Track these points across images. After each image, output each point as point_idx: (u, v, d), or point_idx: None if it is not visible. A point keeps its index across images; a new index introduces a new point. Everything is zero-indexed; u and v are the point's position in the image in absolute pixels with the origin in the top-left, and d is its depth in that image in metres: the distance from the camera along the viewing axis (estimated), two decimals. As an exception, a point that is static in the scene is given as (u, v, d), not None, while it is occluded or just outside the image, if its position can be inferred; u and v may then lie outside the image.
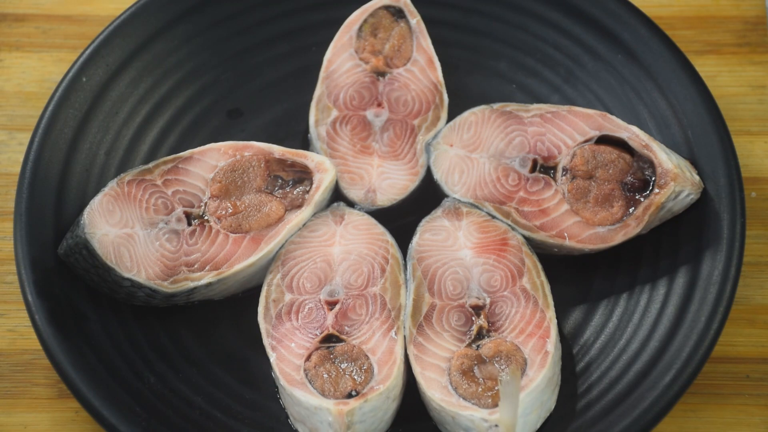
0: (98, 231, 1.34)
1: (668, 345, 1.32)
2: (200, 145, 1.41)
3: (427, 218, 1.41)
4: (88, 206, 1.35)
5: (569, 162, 1.39)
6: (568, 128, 1.41)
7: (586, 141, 1.40)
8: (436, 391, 1.29)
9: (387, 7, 1.49)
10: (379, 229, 1.40)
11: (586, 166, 1.39)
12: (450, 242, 1.38)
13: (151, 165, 1.39)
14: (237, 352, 1.38)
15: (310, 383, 1.29)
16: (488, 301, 1.34)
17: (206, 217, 1.38)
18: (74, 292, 1.35)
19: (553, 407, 1.31)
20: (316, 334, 1.32)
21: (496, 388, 1.27)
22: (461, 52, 1.52)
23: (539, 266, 1.36)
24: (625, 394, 1.30)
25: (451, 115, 1.46)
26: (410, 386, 1.33)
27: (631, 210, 1.36)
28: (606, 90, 1.47)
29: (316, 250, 1.38)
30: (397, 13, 1.49)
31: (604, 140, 1.40)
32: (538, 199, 1.39)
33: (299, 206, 1.39)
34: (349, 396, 1.28)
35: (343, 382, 1.29)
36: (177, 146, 1.47)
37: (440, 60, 1.47)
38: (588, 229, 1.37)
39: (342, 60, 1.48)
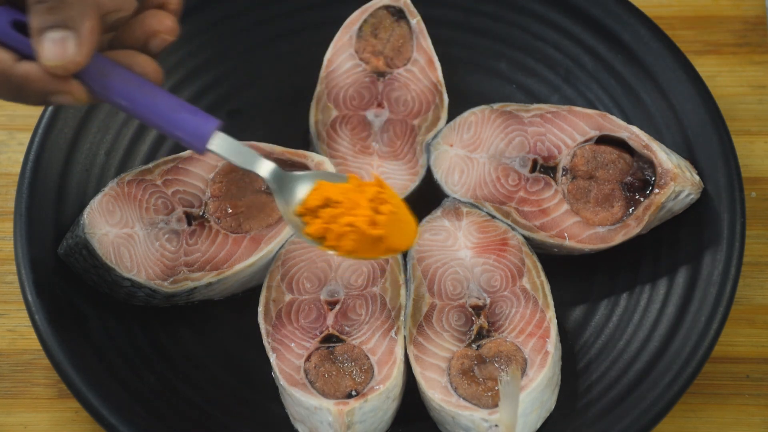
0: (98, 231, 1.34)
1: (668, 345, 1.32)
2: (200, 145, 1.41)
3: (427, 218, 1.41)
4: (88, 206, 1.35)
5: (569, 162, 1.39)
6: (568, 128, 1.41)
7: (586, 141, 1.40)
8: (436, 391, 1.29)
9: (387, 7, 1.49)
10: (379, 229, 1.40)
11: (586, 166, 1.39)
12: (450, 242, 1.38)
13: (151, 165, 1.39)
14: (237, 352, 1.38)
15: (310, 383, 1.29)
16: (488, 301, 1.34)
17: (206, 217, 1.38)
18: (74, 292, 1.35)
19: (553, 407, 1.31)
20: (316, 335, 1.32)
21: (496, 388, 1.27)
22: (461, 52, 1.52)
23: (539, 266, 1.36)
24: (625, 394, 1.30)
25: (451, 115, 1.46)
26: (410, 386, 1.33)
27: (631, 210, 1.36)
28: (606, 90, 1.47)
29: (315, 250, 1.38)
30: (397, 13, 1.49)
31: (604, 140, 1.40)
32: (538, 199, 1.39)
33: (299, 206, 1.39)
34: (349, 396, 1.28)
35: (343, 382, 1.29)
36: (177, 146, 1.47)
37: (440, 60, 1.47)
38: (588, 229, 1.37)
39: (342, 60, 1.48)
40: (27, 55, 1.12)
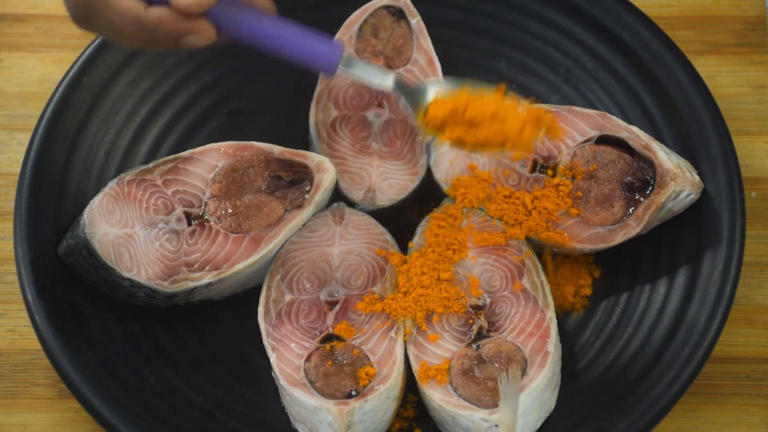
0: (98, 231, 1.34)
1: (668, 345, 1.32)
2: (200, 145, 1.42)
3: (427, 218, 1.41)
4: (88, 206, 1.35)
5: (569, 162, 1.39)
6: (568, 128, 1.41)
7: (586, 141, 1.40)
8: (436, 391, 1.29)
9: (387, 7, 1.49)
10: (379, 229, 1.40)
11: (586, 166, 1.39)
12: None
13: (151, 165, 1.39)
14: (237, 352, 1.38)
15: (310, 383, 1.29)
16: (488, 301, 1.34)
17: (206, 217, 1.38)
18: (74, 292, 1.35)
19: (553, 407, 1.31)
20: (316, 335, 1.32)
21: (496, 388, 1.27)
22: (461, 52, 1.52)
23: (539, 266, 1.36)
24: (625, 394, 1.30)
25: (451, 115, 1.46)
26: (410, 386, 1.33)
27: (631, 210, 1.36)
28: (606, 90, 1.47)
29: (316, 250, 1.38)
30: (397, 13, 1.49)
31: (604, 140, 1.40)
32: (538, 199, 1.39)
33: (299, 206, 1.39)
34: (349, 396, 1.28)
35: (343, 382, 1.29)
36: (177, 146, 1.47)
37: (440, 60, 1.47)
38: (588, 229, 1.37)
39: (342, 60, 1.48)
40: (153, 2, 1.18)
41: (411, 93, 1.34)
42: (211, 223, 1.37)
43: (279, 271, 1.37)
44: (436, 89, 1.35)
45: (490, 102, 1.30)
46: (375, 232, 1.39)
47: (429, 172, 1.44)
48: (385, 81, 1.32)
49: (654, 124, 1.43)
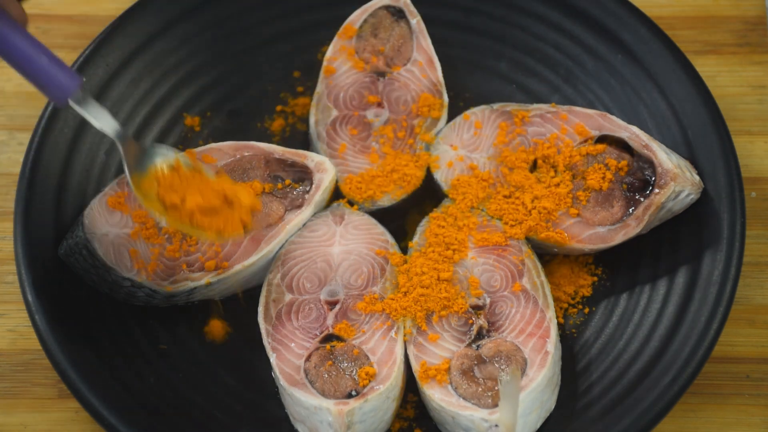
0: (98, 231, 1.34)
1: (668, 345, 1.32)
2: (200, 145, 1.41)
3: (427, 218, 1.41)
4: (88, 206, 1.35)
5: (569, 162, 1.39)
6: (568, 128, 1.41)
7: (586, 141, 1.40)
8: (436, 391, 1.29)
9: (387, 7, 1.49)
10: (379, 229, 1.40)
11: (586, 166, 1.39)
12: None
13: (151, 165, 1.39)
14: (237, 352, 1.38)
15: (310, 383, 1.29)
16: (488, 301, 1.34)
17: (206, 217, 1.38)
18: (74, 292, 1.35)
19: (553, 407, 1.31)
20: (316, 334, 1.32)
21: (496, 388, 1.27)
22: (461, 52, 1.52)
23: (539, 266, 1.36)
24: (625, 394, 1.30)
25: (451, 115, 1.46)
26: (410, 386, 1.33)
27: (631, 210, 1.36)
28: (606, 90, 1.47)
29: (316, 250, 1.38)
30: (397, 13, 1.49)
31: (604, 140, 1.40)
32: (538, 199, 1.39)
33: (299, 206, 1.39)
34: (349, 396, 1.28)
35: (343, 382, 1.29)
36: (177, 146, 1.47)
37: (440, 60, 1.47)
38: (588, 229, 1.37)
39: (342, 60, 1.48)
40: None
41: (133, 152, 1.28)
42: (211, 223, 1.37)
43: (279, 271, 1.37)
44: (159, 159, 1.29)
45: (214, 193, 1.28)
46: (375, 232, 1.39)
47: (429, 172, 1.44)
48: (111, 129, 1.26)
49: (654, 124, 1.43)
